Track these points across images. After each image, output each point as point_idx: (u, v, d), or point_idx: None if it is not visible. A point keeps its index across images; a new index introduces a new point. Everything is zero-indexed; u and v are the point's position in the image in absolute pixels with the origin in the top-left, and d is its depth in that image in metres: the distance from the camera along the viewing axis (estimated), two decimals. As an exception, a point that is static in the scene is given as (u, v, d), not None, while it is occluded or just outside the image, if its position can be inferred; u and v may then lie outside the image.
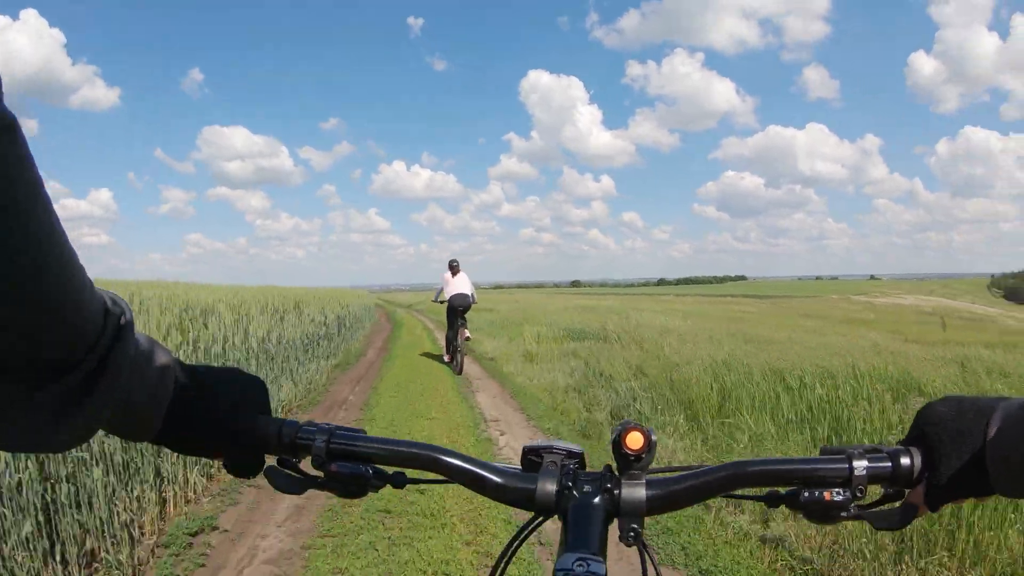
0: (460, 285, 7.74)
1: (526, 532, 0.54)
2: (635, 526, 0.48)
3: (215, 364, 0.53)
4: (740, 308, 21.70)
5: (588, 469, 0.53)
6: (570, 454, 0.53)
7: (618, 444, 0.49)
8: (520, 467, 0.53)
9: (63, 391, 0.34)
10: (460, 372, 7.49)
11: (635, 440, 0.49)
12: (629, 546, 0.48)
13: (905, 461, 0.46)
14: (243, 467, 0.50)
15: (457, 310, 7.62)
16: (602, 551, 0.46)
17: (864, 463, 0.47)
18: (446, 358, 8.10)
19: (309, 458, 0.51)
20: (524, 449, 0.54)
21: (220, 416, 0.48)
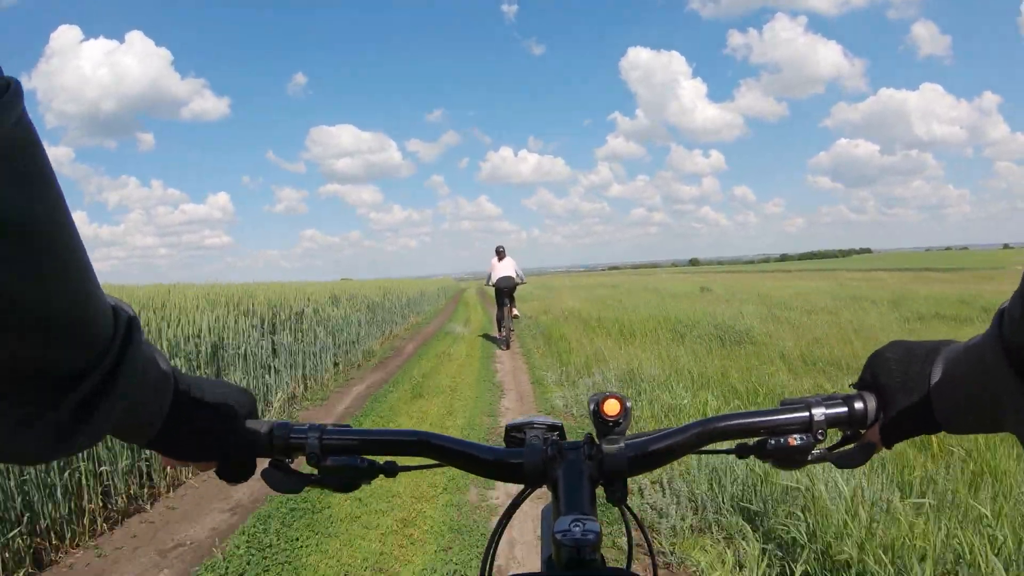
0: (505, 269, 8.76)
1: (518, 503, 0.56)
2: (620, 487, 0.50)
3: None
4: (972, 287, 14.82)
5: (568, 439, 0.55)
6: (550, 427, 0.56)
7: (597, 412, 0.51)
8: (505, 445, 0.57)
9: (81, 396, 0.33)
10: (508, 347, 8.55)
11: (612, 407, 0.50)
12: (616, 506, 0.51)
13: (859, 405, 0.50)
14: (236, 472, 0.51)
15: (503, 291, 8.69)
16: (593, 511, 0.49)
17: (822, 410, 0.50)
18: (497, 334, 9.08)
19: (300, 457, 0.53)
20: (507, 427, 0.57)
21: (217, 423, 0.49)
